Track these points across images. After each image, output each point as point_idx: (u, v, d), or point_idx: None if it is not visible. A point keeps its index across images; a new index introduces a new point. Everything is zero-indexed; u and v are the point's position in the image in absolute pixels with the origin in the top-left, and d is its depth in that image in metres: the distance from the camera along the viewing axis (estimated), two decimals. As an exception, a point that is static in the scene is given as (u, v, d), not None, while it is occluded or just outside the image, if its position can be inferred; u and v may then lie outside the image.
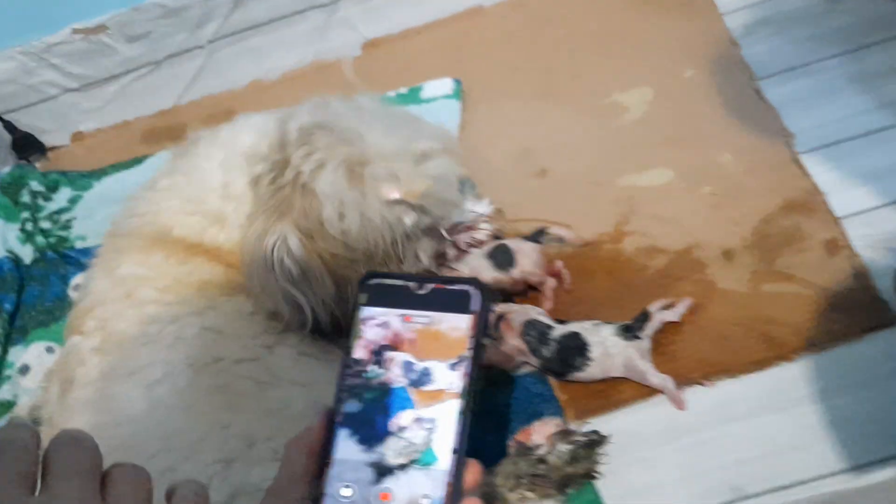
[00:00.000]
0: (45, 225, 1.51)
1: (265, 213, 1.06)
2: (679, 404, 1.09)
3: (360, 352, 0.72)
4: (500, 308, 1.18)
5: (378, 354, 0.72)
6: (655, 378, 1.10)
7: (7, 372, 1.34)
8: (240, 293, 1.08)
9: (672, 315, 1.14)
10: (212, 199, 1.13)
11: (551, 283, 1.22)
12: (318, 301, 1.07)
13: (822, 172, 1.24)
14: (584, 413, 1.11)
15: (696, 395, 1.10)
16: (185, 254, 1.12)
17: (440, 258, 1.21)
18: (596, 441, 1.06)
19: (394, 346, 0.72)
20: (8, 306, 1.40)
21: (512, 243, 1.23)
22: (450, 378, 0.71)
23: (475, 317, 0.70)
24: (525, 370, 1.17)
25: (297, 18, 1.60)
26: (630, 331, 1.12)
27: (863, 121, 1.28)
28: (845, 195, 1.21)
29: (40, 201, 1.54)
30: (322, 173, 1.04)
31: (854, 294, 1.12)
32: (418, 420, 0.70)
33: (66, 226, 1.51)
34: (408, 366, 0.70)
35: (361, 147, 1.07)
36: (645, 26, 1.49)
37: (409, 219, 1.09)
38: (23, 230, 1.49)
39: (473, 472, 0.67)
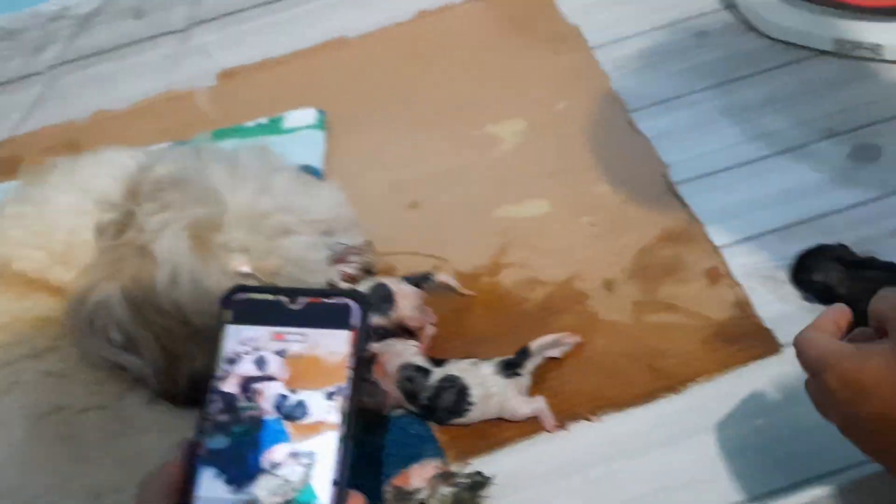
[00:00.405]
0: None
1: (96, 268, 0.96)
2: (552, 427, 1.04)
3: (226, 380, 0.66)
4: (375, 348, 1.11)
5: (247, 383, 0.66)
6: (527, 407, 1.04)
7: None
8: None
9: (555, 351, 1.09)
10: (59, 236, 1.01)
11: (431, 330, 1.16)
12: (149, 373, 0.96)
13: (698, 203, 1.22)
14: (466, 454, 1.04)
15: (583, 431, 1.04)
16: (24, 288, 1.01)
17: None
18: (479, 483, 1.00)
19: (265, 375, 0.66)
20: None
21: (392, 284, 1.15)
22: (327, 408, 0.65)
23: (355, 333, 0.67)
24: (400, 411, 1.09)
25: (147, 45, 1.51)
26: (510, 367, 1.06)
27: (736, 152, 1.27)
28: (723, 225, 1.20)
29: None
30: (164, 234, 0.94)
31: (738, 322, 1.10)
32: (294, 454, 0.64)
33: None
34: (280, 397, 0.65)
35: (216, 210, 0.98)
36: (516, 59, 1.47)
37: None
38: None
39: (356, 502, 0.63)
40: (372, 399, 1.08)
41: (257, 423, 0.65)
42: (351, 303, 0.67)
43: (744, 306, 1.11)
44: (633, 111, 1.35)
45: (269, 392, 0.66)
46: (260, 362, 0.67)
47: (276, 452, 0.64)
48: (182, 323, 0.94)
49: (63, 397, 0.95)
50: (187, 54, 1.54)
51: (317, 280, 1.06)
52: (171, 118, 1.49)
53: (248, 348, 0.67)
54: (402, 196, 1.31)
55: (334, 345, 0.67)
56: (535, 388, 1.07)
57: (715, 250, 1.17)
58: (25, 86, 1.50)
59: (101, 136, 1.48)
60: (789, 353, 1.04)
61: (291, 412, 0.65)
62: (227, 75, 1.54)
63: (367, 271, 1.20)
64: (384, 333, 1.12)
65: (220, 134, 1.42)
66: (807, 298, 1.11)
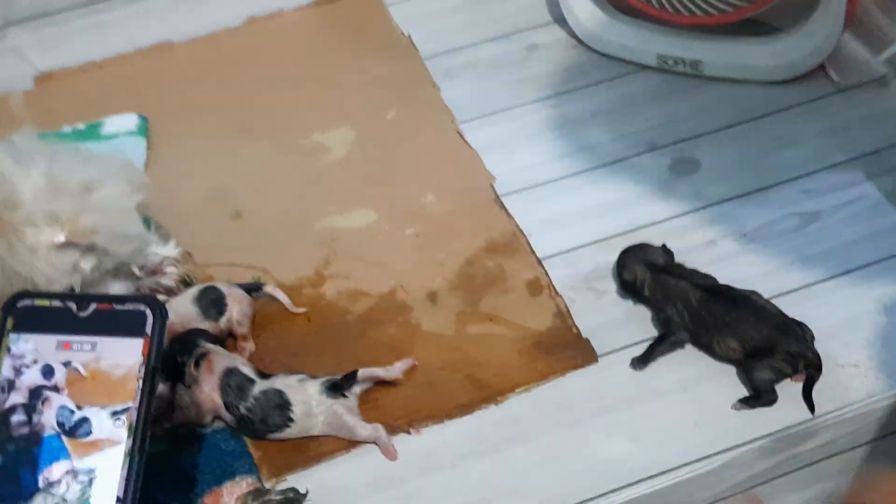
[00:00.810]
0: None
1: None
2: (391, 455, 1.02)
3: (3, 394, 0.64)
4: (206, 346, 1.06)
5: (27, 398, 0.64)
6: (364, 431, 1.02)
7: None
8: None
9: (385, 373, 1.07)
10: None
11: (251, 347, 1.12)
12: None
13: (523, 214, 1.23)
14: (282, 469, 1.01)
15: (402, 444, 1.03)
16: None
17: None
18: (292, 499, 0.97)
19: (46, 387, 0.64)
20: None
21: (224, 287, 1.12)
22: (113, 423, 0.64)
23: (147, 340, 0.65)
24: (215, 426, 1.05)
25: (-44, 45, 1.43)
26: (336, 389, 1.03)
27: (561, 164, 1.29)
28: (546, 236, 1.21)
29: None
30: None
31: (557, 333, 1.11)
32: (72, 472, 0.63)
33: None
34: (62, 412, 0.63)
35: (7, 190, 0.94)
36: (347, 67, 1.45)
37: (86, 263, 0.96)
38: None
39: None
40: (189, 410, 1.04)
41: (36, 439, 0.62)
42: (145, 309, 0.66)
43: (563, 317, 1.12)
44: (463, 122, 1.35)
45: (51, 405, 0.63)
46: (44, 371, 0.64)
47: (54, 470, 0.62)
48: None
49: None
50: (1, 55, 1.46)
51: (134, 231, 1.03)
52: (-20, 122, 1.41)
53: (31, 356, 0.64)
54: (225, 205, 1.28)
55: (125, 355, 0.65)
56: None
57: (537, 262, 1.18)
58: None
59: None
60: (606, 363, 1.07)
61: (74, 429, 0.63)
62: (45, 78, 1.47)
63: (186, 283, 1.16)
64: (213, 340, 1.09)
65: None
66: (620, 294, 1.14)
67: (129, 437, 0.63)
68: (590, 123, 1.34)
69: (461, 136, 1.33)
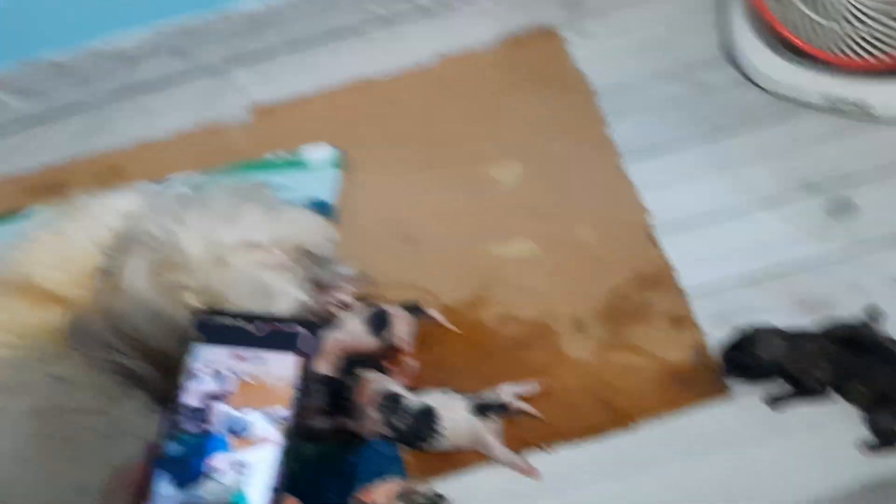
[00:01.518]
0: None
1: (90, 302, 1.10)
2: (531, 474, 1.11)
3: (188, 396, 0.75)
4: (361, 375, 1.20)
5: (205, 398, 0.75)
6: (501, 454, 1.12)
7: None
8: None
9: (521, 402, 1.16)
10: (74, 265, 1.15)
11: (413, 363, 1.24)
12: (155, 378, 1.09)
13: (674, 249, 1.28)
14: (429, 474, 1.13)
15: (536, 461, 1.11)
16: (43, 301, 1.13)
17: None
18: (435, 502, 1.08)
19: (219, 395, 0.75)
20: None
21: (390, 308, 1.25)
22: (268, 425, 0.74)
23: (302, 356, 0.75)
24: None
25: (188, 80, 1.63)
26: (483, 410, 1.13)
27: (716, 201, 1.33)
28: (693, 271, 1.25)
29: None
30: (128, 271, 1.09)
31: (693, 366, 1.16)
32: (233, 463, 0.73)
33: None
34: (229, 414, 0.74)
35: (172, 251, 1.10)
36: (523, 103, 1.54)
37: None
38: None
39: None
40: (355, 422, 1.17)
41: (206, 435, 0.74)
42: (301, 329, 0.77)
43: (701, 351, 1.17)
44: (626, 157, 1.41)
45: (221, 408, 0.75)
46: (218, 379, 0.76)
47: (217, 460, 0.74)
48: (146, 346, 1.06)
49: (66, 401, 1.06)
50: (225, 90, 1.66)
51: (278, 301, 1.14)
52: (206, 150, 1.61)
53: (210, 366, 0.76)
54: (401, 231, 1.41)
55: (284, 368, 0.76)
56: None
57: (683, 296, 1.23)
58: (77, 114, 1.63)
59: (143, 164, 1.63)
60: (737, 398, 1.11)
61: (237, 428, 0.75)
62: (259, 111, 1.66)
63: (361, 300, 1.29)
64: (366, 363, 1.22)
65: (246, 166, 1.53)
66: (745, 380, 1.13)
67: (282, 437, 0.73)
68: (751, 162, 1.37)
69: (621, 170, 1.39)
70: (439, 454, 1.14)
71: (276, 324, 0.78)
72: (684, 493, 1.06)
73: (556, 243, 1.33)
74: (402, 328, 1.24)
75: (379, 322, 1.23)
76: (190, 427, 0.75)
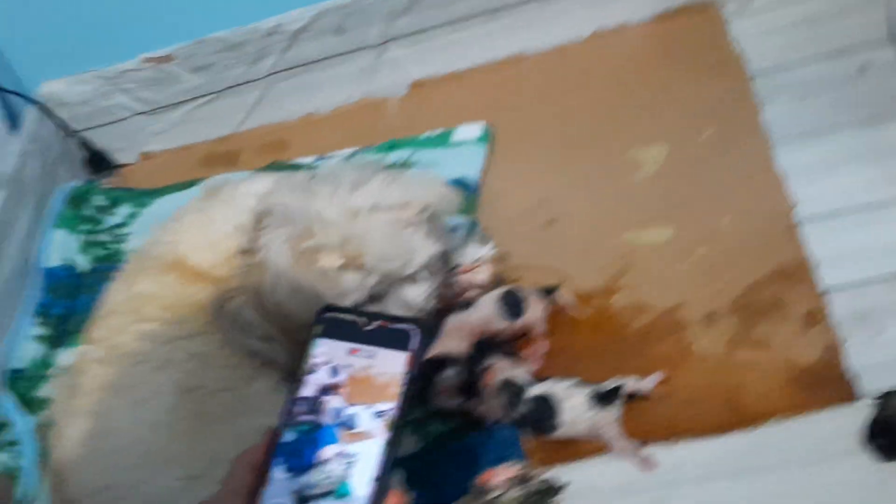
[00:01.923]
0: (103, 238, 1.63)
1: (235, 281, 1.16)
2: (647, 466, 1.12)
3: (305, 388, 0.78)
4: (488, 361, 1.23)
5: (319, 393, 0.78)
6: (619, 445, 1.13)
7: (50, 371, 1.46)
8: None
9: (635, 384, 1.17)
10: (221, 247, 1.22)
11: (545, 345, 1.26)
12: (282, 358, 1.15)
13: (816, 242, 1.25)
14: (549, 461, 1.15)
15: (654, 455, 1.12)
16: (193, 278, 1.21)
17: (440, 301, 1.26)
18: (550, 490, 1.10)
19: (332, 387, 0.78)
20: (58, 311, 1.52)
21: (524, 291, 1.28)
22: (376, 419, 0.77)
23: (412, 355, 0.77)
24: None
25: (348, 57, 1.69)
26: (603, 399, 1.15)
27: (868, 194, 1.28)
28: (834, 267, 1.22)
29: (102, 215, 1.66)
30: (269, 248, 1.13)
31: (824, 368, 1.13)
32: (340, 455, 0.76)
33: (122, 239, 1.63)
34: (338, 406, 0.77)
35: (306, 223, 1.13)
36: (675, 83, 1.51)
37: (348, 282, 1.13)
38: (83, 241, 1.62)
39: (396, 499, 0.74)
40: (480, 405, 1.21)
41: (318, 426, 0.78)
42: (413, 329, 0.79)
43: (833, 352, 1.14)
44: (776, 143, 1.37)
45: (333, 400, 0.78)
46: (333, 372, 0.79)
47: (326, 451, 0.77)
48: (291, 317, 1.12)
49: (203, 378, 1.15)
50: (382, 66, 1.70)
51: (415, 255, 1.17)
52: (363, 125, 1.68)
53: (327, 360, 0.79)
54: (542, 213, 1.42)
55: (392, 365, 0.79)
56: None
57: (819, 294, 1.20)
58: (246, 91, 1.72)
59: (305, 138, 1.71)
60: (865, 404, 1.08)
61: (345, 421, 0.78)
62: (417, 85, 1.70)
63: (498, 281, 1.32)
64: (497, 345, 1.25)
65: (397, 143, 1.58)
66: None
67: (388, 431, 0.76)
68: (907, 152, 1.30)
69: (769, 158, 1.35)
70: (559, 442, 1.16)
71: (391, 322, 0.80)
72: (803, 499, 1.05)
73: (693, 232, 1.32)
74: (535, 311, 1.26)
75: (512, 304, 1.26)
76: (305, 417, 0.78)
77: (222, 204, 1.26)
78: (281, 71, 1.71)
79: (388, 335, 0.79)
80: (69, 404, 1.17)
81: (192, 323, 1.17)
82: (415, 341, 0.78)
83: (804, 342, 1.16)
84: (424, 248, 1.17)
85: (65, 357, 1.46)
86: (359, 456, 0.76)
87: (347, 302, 1.12)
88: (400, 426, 0.77)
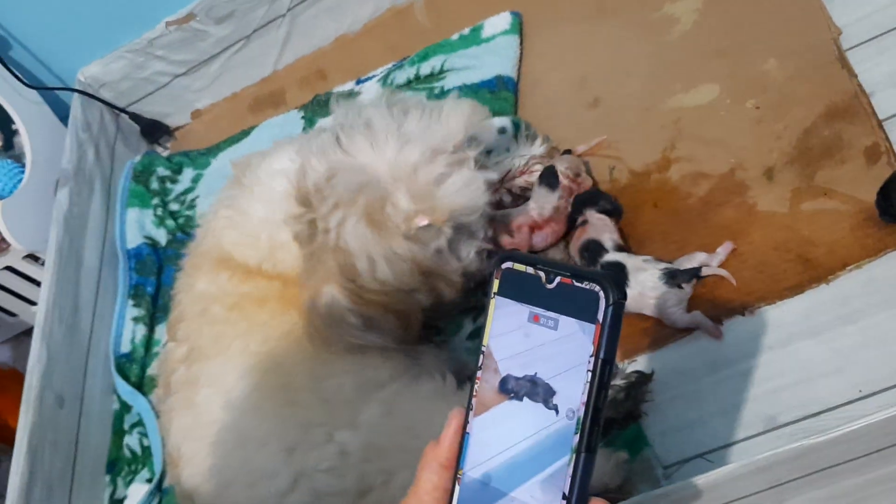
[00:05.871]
0: (174, 207, 1.67)
1: (311, 275, 1.12)
2: (716, 335, 1.11)
3: (492, 360, 0.66)
4: (587, 215, 1.22)
5: (508, 365, 0.66)
6: (684, 319, 1.13)
7: (156, 349, 1.52)
8: (295, 306, 1.15)
9: (708, 258, 1.15)
10: (262, 242, 1.20)
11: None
12: (389, 341, 1.13)
13: (868, 69, 1.19)
14: (631, 352, 1.16)
15: (734, 326, 1.12)
16: (245, 275, 1.21)
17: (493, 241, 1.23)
18: (640, 381, 1.11)
19: (521, 359, 0.65)
20: (150, 289, 1.57)
21: (552, 162, 1.28)
22: (562, 393, 0.63)
23: (598, 328, 0.61)
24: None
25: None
26: (675, 278, 1.13)
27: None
28: (891, 92, 1.15)
29: (168, 185, 1.70)
30: (346, 229, 1.08)
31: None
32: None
33: (192, 205, 1.66)
34: (529, 385, 0.64)
35: (375, 189, 1.08)
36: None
37: (439, 241, 1.11)
38: (155, 215, 1.66)
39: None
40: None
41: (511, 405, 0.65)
42: (599, 291, 0.61)
43: (900, 186, 1.09)
44: (814, -35, 1.29)
45: (524, 376, 0.64)
46: (520, 344, 0.65)
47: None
48: (393, 289, 1.10)
49: (280, 353, 1.15)
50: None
51: (482, 204, 1.12)
52: (394, 37, 1.65)
53: (512, 328, 0.65)
54: (585, 94, 1.39)
55: (577, 341, 0.62)
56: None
57: (878, 125, 1.14)
58: (273, 28, 1.70)
59: (342, 63, 1.70)
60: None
61: (543, 397, 0.64)
62: (438, -16, 1.66)
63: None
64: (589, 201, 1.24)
65: (429, 52, 1.55)
66: None
67: (575, 432, 0.61)
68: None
69: (808, -16, 1.28)
70: (641, 330, 1.16)
71: (576, 279, 0.63)
72: (887, 346, 1.02)
73: (740, 83, 1.27)
74: (563, 164, 1.26)
75: (549, 178, 1.24)
76: (501, 397, 0.65)
77: (249, 193, 1.23)
78: (302, 1, 1.69)
79: (569, 297, 0.62)
80: (165, 402, 1.23)
81: (261, 314, 1.17)
82: (601, 310, 0.61)
83: (869, 180, 1.11)
84: (485, 183, 1.12)
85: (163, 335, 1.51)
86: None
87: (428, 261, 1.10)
88: (592, 425, 0.62)
